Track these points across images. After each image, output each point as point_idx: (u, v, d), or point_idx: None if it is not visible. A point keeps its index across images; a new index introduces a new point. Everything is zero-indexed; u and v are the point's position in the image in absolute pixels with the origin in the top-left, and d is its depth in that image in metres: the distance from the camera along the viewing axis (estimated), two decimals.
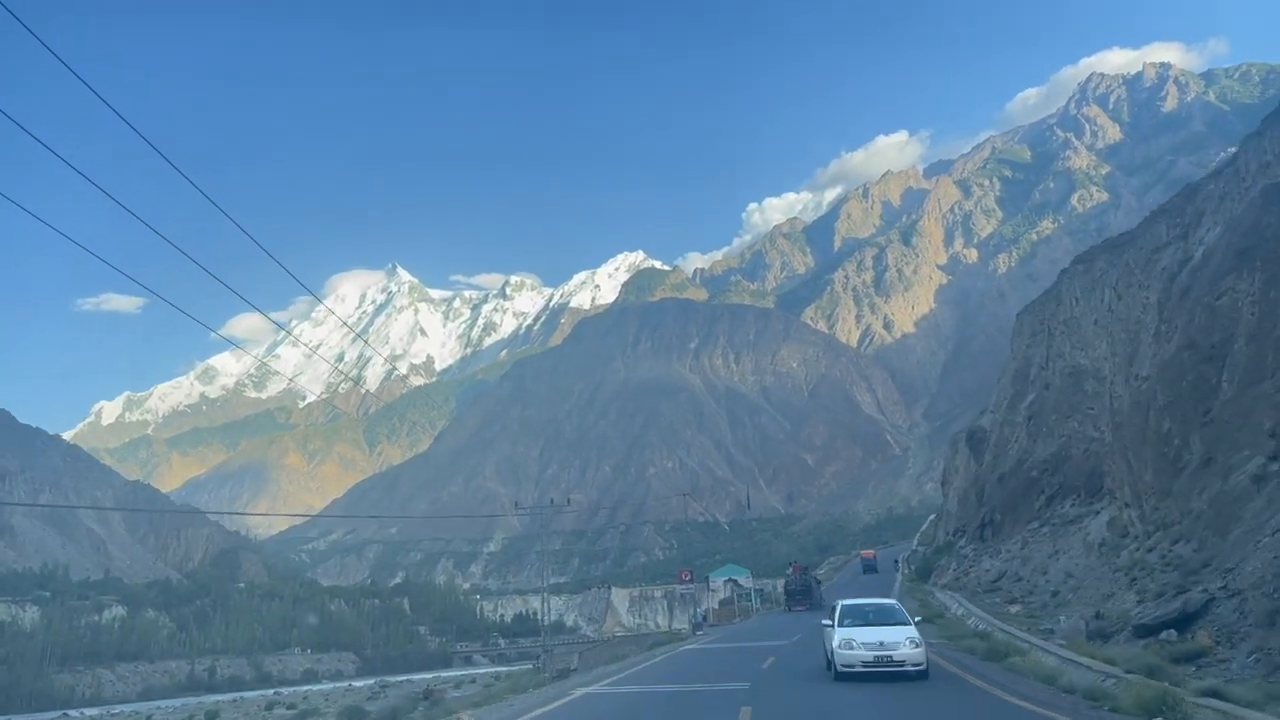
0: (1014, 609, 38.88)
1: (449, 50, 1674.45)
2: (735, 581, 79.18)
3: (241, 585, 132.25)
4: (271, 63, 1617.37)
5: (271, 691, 74.30)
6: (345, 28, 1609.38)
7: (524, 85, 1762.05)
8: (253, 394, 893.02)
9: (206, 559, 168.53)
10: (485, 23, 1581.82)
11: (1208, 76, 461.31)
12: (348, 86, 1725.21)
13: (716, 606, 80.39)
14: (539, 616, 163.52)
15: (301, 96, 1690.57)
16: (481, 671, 75.38)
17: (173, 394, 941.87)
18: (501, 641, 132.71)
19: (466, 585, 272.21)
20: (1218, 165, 60.32)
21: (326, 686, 78.33)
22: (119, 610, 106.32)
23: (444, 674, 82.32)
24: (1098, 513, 47.71)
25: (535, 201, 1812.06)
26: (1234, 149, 57.07)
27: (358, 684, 74.21)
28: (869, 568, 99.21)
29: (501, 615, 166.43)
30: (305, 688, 78.92)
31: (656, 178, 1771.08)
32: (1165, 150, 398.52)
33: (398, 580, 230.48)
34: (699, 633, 48.99)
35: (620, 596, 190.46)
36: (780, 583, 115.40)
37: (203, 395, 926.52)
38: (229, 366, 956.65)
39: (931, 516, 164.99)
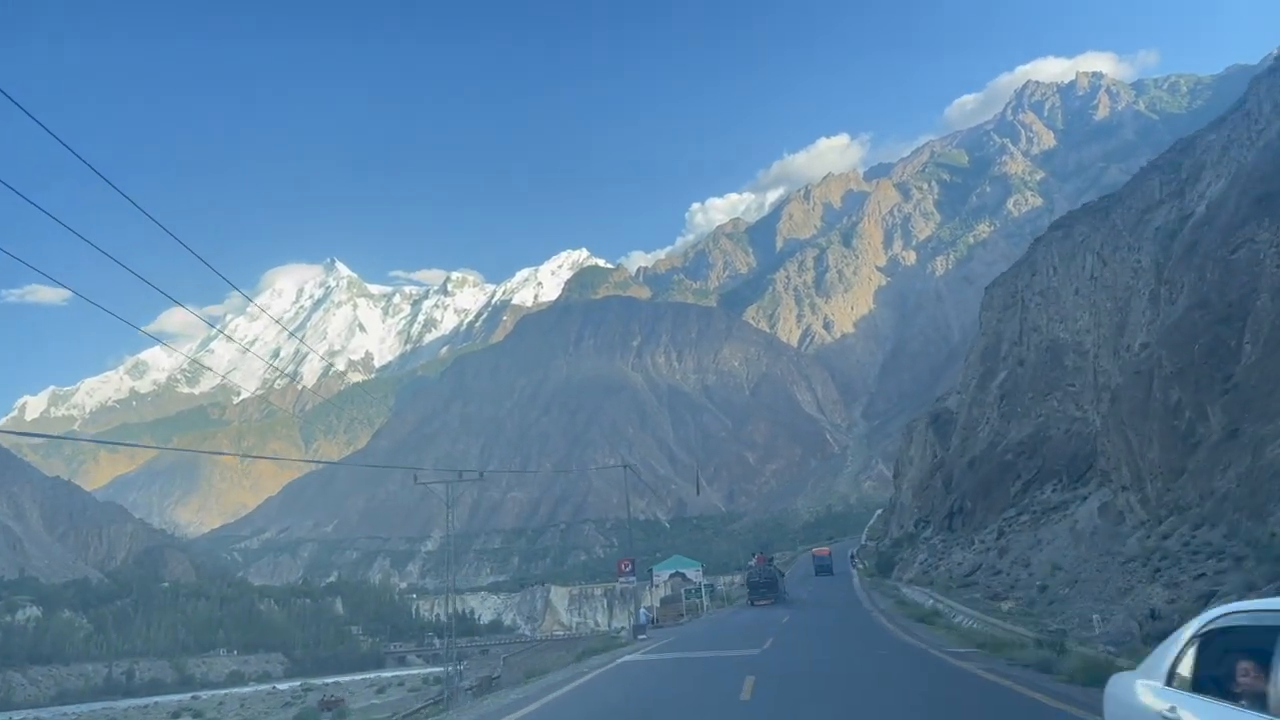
0: (1005, 605, 33.75)
1: (391, 48, 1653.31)
2: (683, 575, 69.54)
3: (166, 585, 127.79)
4: (211, 56, 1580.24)
5: (189, 695, 71.21)
6: (288, 25, 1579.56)
7: (468, 84, 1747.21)
8: (185, 390, 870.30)
9: (130, 558, 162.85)
10: (429, 22, 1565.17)
11: (1138, 87, 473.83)
12: (288, 81, 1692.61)
13: (659, 605, 69.96)
14: (476, 615, 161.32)
15: (242, 90, 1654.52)
16: (412, 673, 73.02)
17: (101, 389, 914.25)
18: (437, 641, 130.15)
19: (403, 585, 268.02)
20: (1220, 116, 56.01)
21: (249, 690, 75.39)
22: (34, 611, 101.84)
23: (374, 675, 79.84)
24: (1085, 498, 43.96)
25: (478, 198, 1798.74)
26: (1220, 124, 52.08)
27: (282, 686, 71.49)
28: (823, 568, 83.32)
29: (437, 615, 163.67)
30: (226, 691, 75.94)
31: (600, 177, 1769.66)
32: (1097, 157, 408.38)
33: (331, 579, 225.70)
34: (641, 637, 40.67)
35: (560, 595, 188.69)
36: (731, 578, 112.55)
37: (133, 390, 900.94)
38: (161, 361, 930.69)
39: (879, 511, 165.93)
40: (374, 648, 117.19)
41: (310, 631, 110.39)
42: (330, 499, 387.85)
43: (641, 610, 53.75)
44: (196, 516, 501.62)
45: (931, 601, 36.90)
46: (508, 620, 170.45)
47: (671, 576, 68.16)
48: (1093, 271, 56.50)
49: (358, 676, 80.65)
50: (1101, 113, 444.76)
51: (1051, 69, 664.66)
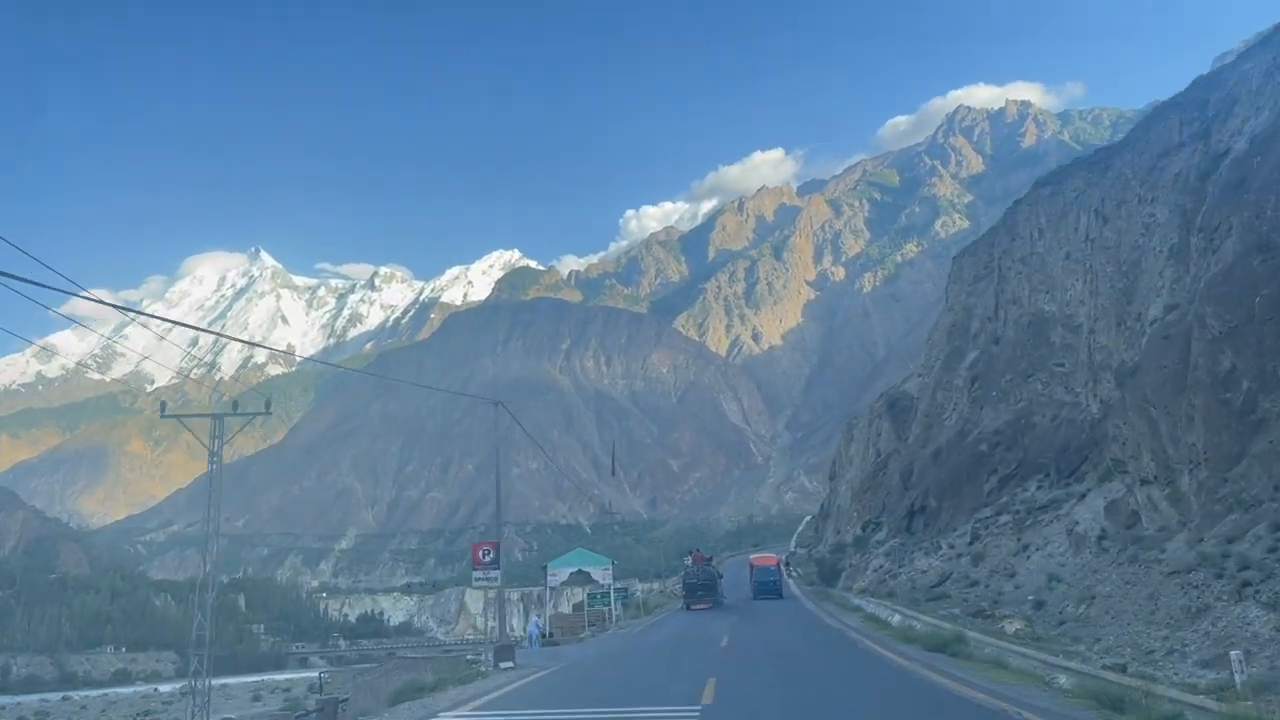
0: (1010, 627, 26.24)
1: (326, 40, 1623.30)
2: (587, 575, 54.47)
3: (54, 576, 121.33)
4: (138, 34, 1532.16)
5: (60, 696, 66.68)
6: (218, 8, 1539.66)
7: (402, 80, 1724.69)
8: (96, 375, 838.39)
9: (20, 548, 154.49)
10: (366, 17, 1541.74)
11: (1064, 117, 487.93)
12: (216, 65, 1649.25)
13: (553, 613, 60.35)
14: (386, 617, 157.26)
15: (166, 69, 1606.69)
16: (309, 675, 69.82)
17: (5, 371, 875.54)
18: (342, 642, 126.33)
19: (315, 583, 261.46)
20: (1246, 47, 49.99)
21: (128, 690, 71.21)
22: None
23: (263, 678, 76.05)
24: (1083, 496, 38.07)
25: (410, 194, 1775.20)
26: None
27: (165, 688, 67.54)
28: (766, 587, 59.04)
29: (346, 615, 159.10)
30: (103, 692, 71.54)
31: (535, 179, 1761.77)
32: (1023, 184, 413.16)
33: (237, 575, 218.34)
34: (505, 665, 27.19)
35: (474, 598, 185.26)
36: (651, 585, 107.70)
37: (39, 374, 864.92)
38: (71, 345, 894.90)
39: (807, 517, 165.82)
40: (275, 648, 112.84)
41: (208, 629, 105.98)
42: (243, 493, 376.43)
43: (533, 621, 47.47)
44: (102, 507, 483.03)
45: (899, 617, 30.45)
46: (420, 623, 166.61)
47: (573, 575, 54.05)
48: (1088, 232, 49.95)
49: (252, 678, 76.83)
50: (1028, 140, 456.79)
51: (982, 95, 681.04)
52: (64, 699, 63.39)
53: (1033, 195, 61.84)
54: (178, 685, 60.88)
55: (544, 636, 44.51)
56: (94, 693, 69.03)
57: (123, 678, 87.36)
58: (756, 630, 35.07)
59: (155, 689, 64.84)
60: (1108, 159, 52.05)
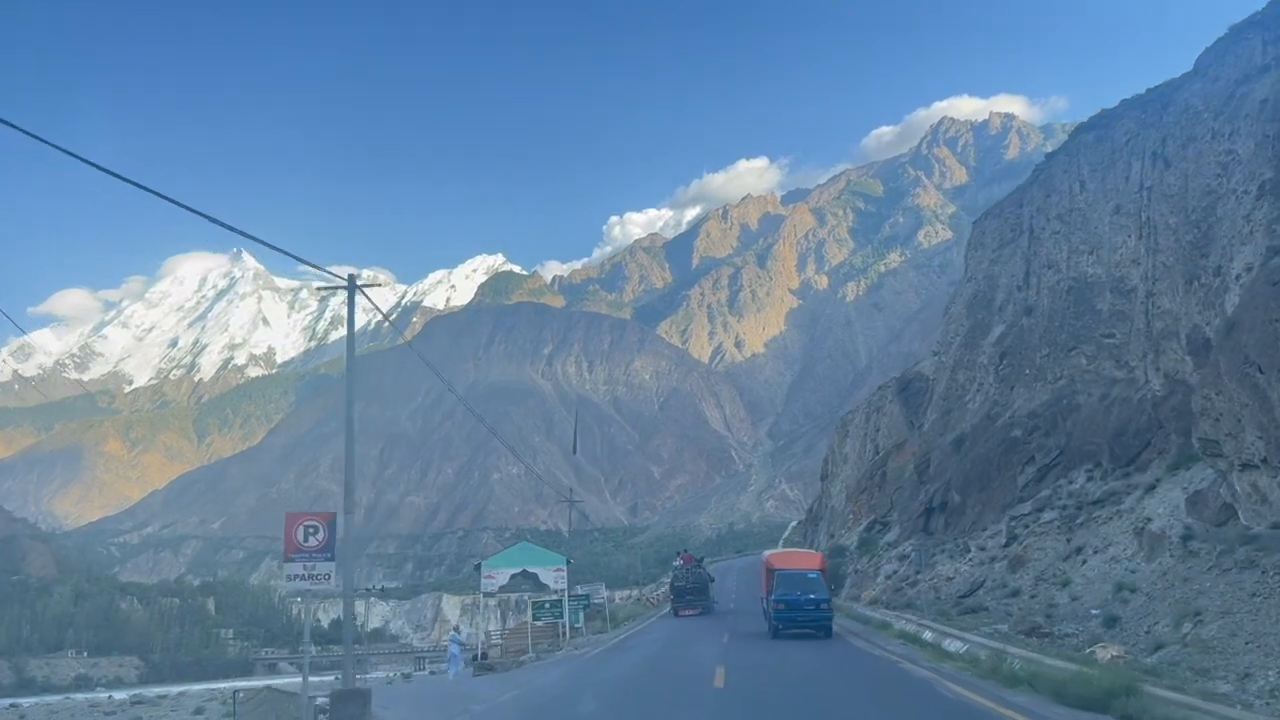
0: (1103, 653, 19.95)
1: (308, 41, 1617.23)
2: (534, 578, 42.08)
3: (16, 578, 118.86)
4: (121, 29, 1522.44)
5: (9, 703, 64.46)
6: (199, 4, 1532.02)
7: (389, 82, 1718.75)
8: (74, 375, 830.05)
9: None
10: (351, 17, 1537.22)
11: (1047, 130, 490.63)
12: (196, 60, 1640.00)
13: (495, 629, 52.63)
14: (360, 621, 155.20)
15: (147, 65, 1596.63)
16: (274, 683, 68.04)
17: None
18: (313, 648, 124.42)
19: (312, 584, 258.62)
20: None
21: (82, 696, 69.36)
22: None
23: (227, 685, 74.31)
24: (1152, 487, 32.28)
25: (395, 197, 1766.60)
26: None
27: (119, 695, 65.85)
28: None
29: (319, 619, 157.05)
30: (57, 698, 69.48)
31: (520, 184, 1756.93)
32: (1006, 195, 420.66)
33: (207, 579, 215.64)
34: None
35: (451, 604, 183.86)
36: (629, 593, 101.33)
37: (16, 373, 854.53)
38: (49, 344, 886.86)
39: (794, 522, 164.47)
40: (243, 653, 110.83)
41: (174, 633, 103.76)
42: (220, 495, 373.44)
43: (451, 638, 35.60)
44: (76, 508, 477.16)
45: (959, 643, 23.46)
46: (395, 628, 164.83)
47: (515, 578, 41.87)
48: (1143, 180, 43.66)
49: (219, 685, 75.14)
50: (1012, 152, 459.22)
51: (966, 107, 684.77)
52: (11, 706, 61.37)
53: (1072, 145, 54.35)
54: (133, 692, 59.33)
55: (477, 659, 35.86)
56: (50, 699, 66.79)
57: (83, 683, 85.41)
58: (763, 655, 25.74)
59: (110, 696, 63.06)
60: (1167, 95, 44.57)
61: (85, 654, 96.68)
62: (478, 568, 43.05)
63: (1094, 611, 26.08)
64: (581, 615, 46.52)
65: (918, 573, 42.34)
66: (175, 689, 68.13)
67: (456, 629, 43.68)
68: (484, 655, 37.80)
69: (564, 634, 41.95)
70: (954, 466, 50.40)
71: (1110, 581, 27.68)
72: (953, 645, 23.54)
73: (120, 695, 62.53)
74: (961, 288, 69.34)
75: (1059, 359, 46.78)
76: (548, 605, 42.32)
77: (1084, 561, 31.35)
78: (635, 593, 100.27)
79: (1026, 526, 38.37)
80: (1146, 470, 34.61)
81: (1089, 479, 38.71)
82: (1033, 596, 30.97)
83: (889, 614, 33.71)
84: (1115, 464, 37.39)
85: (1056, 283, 50.40)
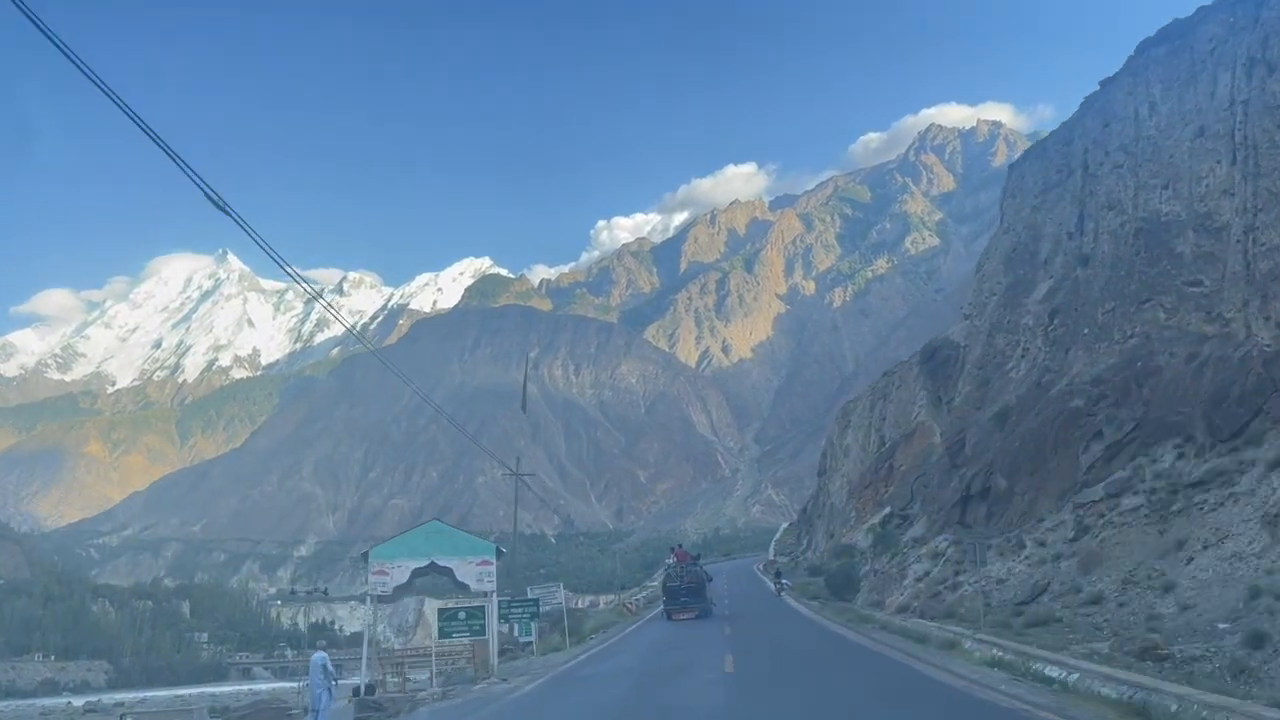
0: None
1: (297, 39, 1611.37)
2: (448, 574, 30.16)
3: None
4: (106, 29, 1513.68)
5: None
6: (187, 4, 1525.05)
7: (376, 85, 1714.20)
8: (56, 375, 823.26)
9: None
10: (338, 12, 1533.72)
11: (1033, 138, 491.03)
12: (184, 60, 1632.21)
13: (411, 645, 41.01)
14: (339, 626, 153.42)
15: (134, 65, 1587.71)
16: (243, 689, 66.10)
17: None
18: (289, 652, 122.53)
19: (272, 590, 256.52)
20: None
21: (30, 703, 67.32)
22: None
23: (197, 691, 72.59)
24: (1277, 464, 26.49)
25: (382, 199, 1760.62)
26: None
27: (78, 701, 64.01)
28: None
29: (297, 623, 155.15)
30: (14, 703, 67.44)
31: (508, 188, 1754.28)
32: (992, 203, 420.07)
33: (184, 581, 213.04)
34: None
35: (433, 608, 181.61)
36: (610, 597, 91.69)
37: None
38: (30, 344, 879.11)
39: (785, 524, 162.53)
40: (216, 658, 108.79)
41: (146, 637, 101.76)
42: (201, 497, 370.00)
43: (315, 664, 21.74)
44: (56, 509, 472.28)
45: (1001, 653, 19.63)
46: (375, 633, 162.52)
47: (418, 574, 30.03)
48: (1234, 94, 37.40)
49: (190, 690, 73.42)
50: (999, 160, 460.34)
51: (954, 114, 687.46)
52: None
53: (1136, 63, 46.50)
54: (91, 698, 57.67)
55: (360, 693, 25.98)
56: (12, 704, 64.80)
57: (50, 687, 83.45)
58: (786, 696, 17.65)
59: (69, 702, 61.24)
60: None
61: (53, 658, 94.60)
62: (365, 558, 29.05)
63: (1222, 625, 20.22)
64: (534, 627, 37.82)
65: (956, 574, 35.46)
66: (138, 694, 66.36)
67: (323, 647, 26.53)
68: (369, 690, 26.76)
69: (490, 663, 29.14)
70: (997, 446, 42.51)
71: (1236, 584, 21.94)
72: (1052, 673, 17.68)
73: (78, 701, 60.73)
74: (997, 241, 61.16)
75: (1128, 314, 39.72)
76: (462, 616, 29.80)
77: (1189, 559, 25.30)
78: (614, 598, 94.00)
79: (1102, 516, 31.44)
80: (1261, 444, 28.14)
81: (1180, 456, 31.71)
82: (1122, 605, 24.66)
83: (929, 625, 27.89)
84: (1214, 437, 30.76)
85: (1120, 226, 43.38)
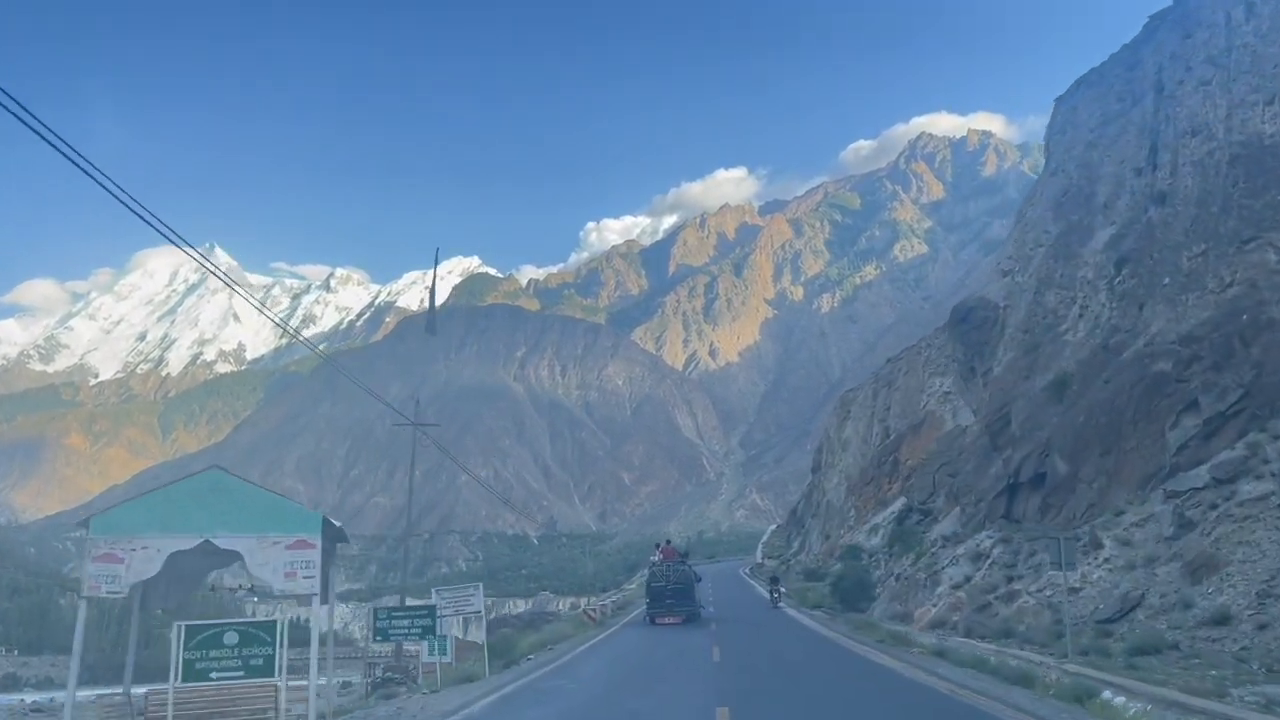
0: None
1: (288, 36, 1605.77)
2: (233, 558, 17.71)
3: None
4: (94, 23, 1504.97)
5: None
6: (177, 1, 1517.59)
7: (367, 81, 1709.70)
8: (38, 366, 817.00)
9: None
10: (333, 12, 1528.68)
11: (1023, 149, 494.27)
12: (172, 54, 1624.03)
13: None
14: (310, 624, 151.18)
15: (121, 58, 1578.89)
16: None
17: None
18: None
19: (250, 586, 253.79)
20: None
21: (1, 698, 65.95)
22: None
23: (162, 686, 71.26)
24: None
25: (371, 197, 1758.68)
26: None
27: (30, 697, 62.54)
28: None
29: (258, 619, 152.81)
30: None
31: (498, 188, 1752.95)
32: (981, 212, 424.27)
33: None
34: None
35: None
36: (590, 600, 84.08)
37: None
38: (13, 334, 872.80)
39: (773, 526, 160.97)
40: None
41: (113, 633, 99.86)
42: None
43: None
44: (34, 501, 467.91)
45: (1113, 694, 14.76)
46: (349, 631, 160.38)
47: (187, 556, 16.66)
48: None
49: (156, 688, 71.78)
50: (989, 170, 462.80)
51: (945, 124, 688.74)
52: None
53: None
54: (39, 696, 56.26)
55: None
56: None
57: (10, 683, 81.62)
58: None
59: (20, 699, 59.65)
60: None
61: (16, 652, 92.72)
62: (86, 525, 16.43)
63: None
64: (450, 646, 28.88)
65: (1008, 580, 29.22)
66: (88, 693, 64.78)
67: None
68: None
69: (313, 705, 17.07)
70: (1054, 422, 36.15)
71: None
72: None
73: (31, 698, 59.17)
74: (1042, 185, 54.21)
75: (1225, 257, 33.19)
76: (231, 641, 16.03)
77: None
78: (585, 602, 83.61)
79: (1214, 507, 24.81)
80: None
81: None
82: (1263, 627, 18.86)
83: (983, 648, 21.28)
84: None
85: (1209, 154, 37.33)
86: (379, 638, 26.36)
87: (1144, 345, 34.20)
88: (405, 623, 25.71)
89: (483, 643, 26.84)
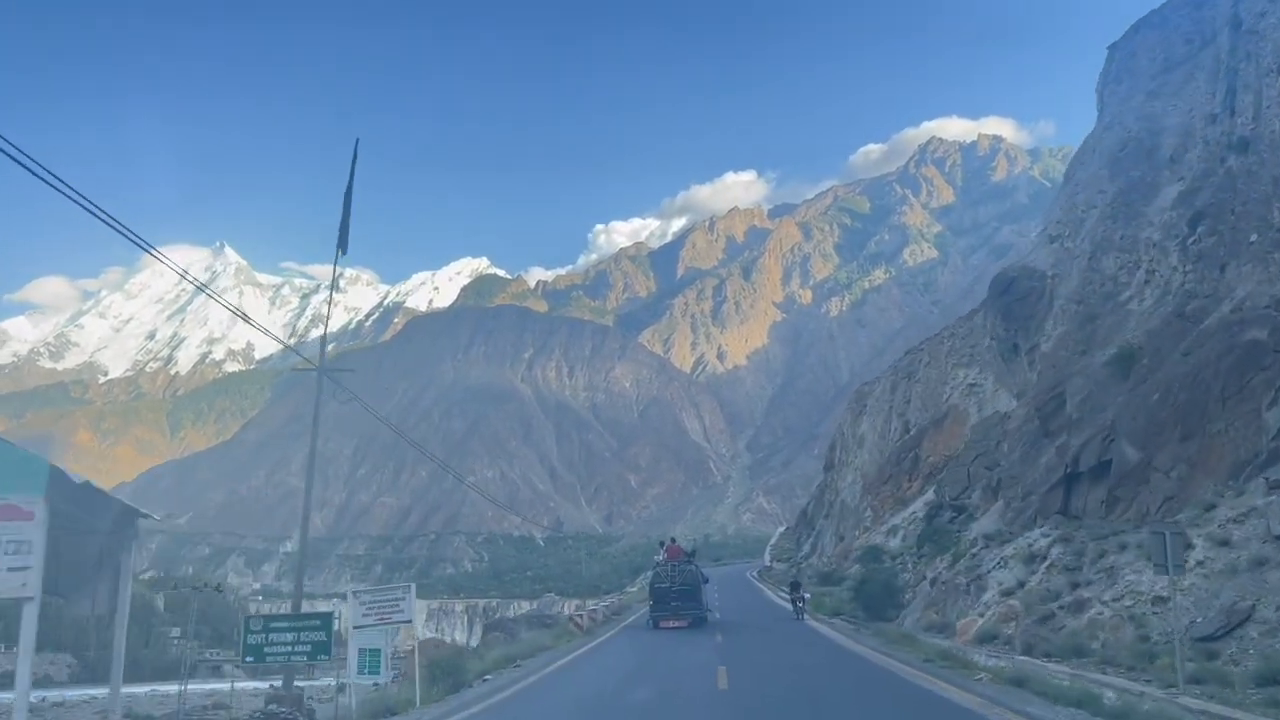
0: None
1: (301, 37, 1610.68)
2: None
3: None
4: (108, 24, 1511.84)
5: None
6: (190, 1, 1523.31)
7: (379, 83, 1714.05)
8: (48, 364, 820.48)
9: None
10: (343, 11, 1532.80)
11: (1034, 153, 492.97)
12: (186, 55, 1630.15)
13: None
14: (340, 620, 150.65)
15: (136, 59, 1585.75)
16: (200, 687, 64.04)
17: None
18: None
19: (257, 585, 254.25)
20: None
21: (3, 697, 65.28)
22: None
23: (160, 689, 70.42)
24: None
25: (381, 198, 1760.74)
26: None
27: (12, 695, 62.13)
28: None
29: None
30: None
31: (507, 189, 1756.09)
32: (991, 217, 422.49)
33: (159, 574, 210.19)
34: None
35: (419, 608, 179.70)
36: (581, 604, 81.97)
37: None
38: (24, 332, 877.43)
39: (781, 528, 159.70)
40: (183, 653, 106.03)
41: (111, 631, 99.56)
42: (189, 490, 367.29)
43: None
44: None
45: None
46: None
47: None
48: None
49: (152, 688, 71.25)
50: (999, 174, 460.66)
51: (955, 128, 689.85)
52: None
53: None
54: (41, 695, 55.43)
55: None
56: None
57: (7, 681, 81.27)
58: None
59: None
60: None
61: (15, 650, 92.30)
62: None
63: None
64: (383, 663, 19.99)
65: (1072, 586, 25.11)
66: (79, 693, 63.97)
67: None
68: None
69: None
70: (1119, 402, 31.25)
71: None
72: None
73: (4, 697, 58.37)
74: (1096, 139, 49.30)
75: None
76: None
77: None
78: (579, 605, 79.00)
79: None
80: None
81: None
82: None
83: (1060, 670, 17.57)
84: None
85: None
86: (250, 658, 19.40)
87: (1230, 311, 29.52)
88: (289, 637, 19.01)
89: (416, 666, 19.36)
